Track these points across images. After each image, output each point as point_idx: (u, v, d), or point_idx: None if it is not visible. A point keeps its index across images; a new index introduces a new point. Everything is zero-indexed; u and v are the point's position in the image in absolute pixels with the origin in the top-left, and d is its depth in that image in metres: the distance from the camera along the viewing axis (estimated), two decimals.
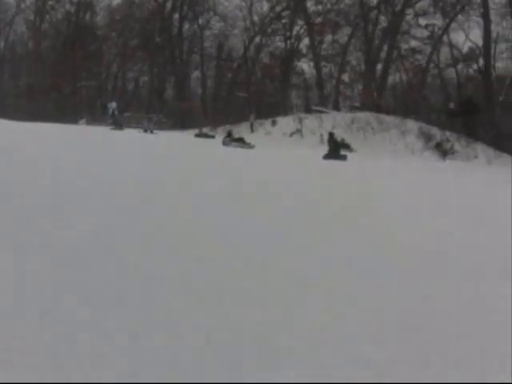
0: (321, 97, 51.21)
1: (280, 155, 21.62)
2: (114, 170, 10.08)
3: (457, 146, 37.08)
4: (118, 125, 32.21)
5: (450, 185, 14.44)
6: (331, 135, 24.18)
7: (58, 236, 4.35)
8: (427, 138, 38.25)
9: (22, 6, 63.37)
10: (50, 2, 62.01)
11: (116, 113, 32.96)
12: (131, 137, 25.75)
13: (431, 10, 48.18)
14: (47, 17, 63.37)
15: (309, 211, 7.26)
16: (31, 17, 63.81)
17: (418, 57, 50.61)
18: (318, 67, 51.68)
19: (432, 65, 49.90)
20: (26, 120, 33.59)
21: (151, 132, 32.63)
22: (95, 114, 51.80)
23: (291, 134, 39.84)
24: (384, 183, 13.16)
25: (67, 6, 61.64)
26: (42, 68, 57.59)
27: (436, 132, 38.42)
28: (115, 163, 11.30)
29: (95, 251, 3.99)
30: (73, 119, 45.47)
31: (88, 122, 45.00)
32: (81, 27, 59.76)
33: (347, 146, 29.34)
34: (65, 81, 56.73)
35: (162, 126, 41.42)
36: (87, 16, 61.98)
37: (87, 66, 57.94)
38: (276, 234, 5.37)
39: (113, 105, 33.51)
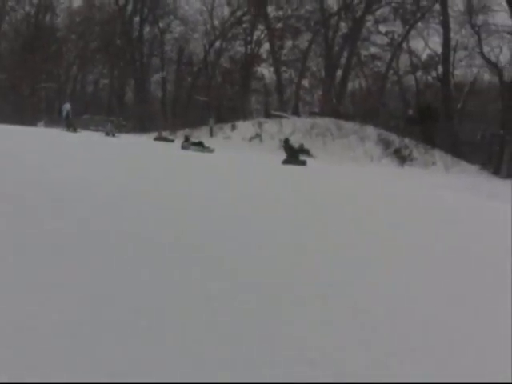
0: (280, 102, 51.31)
1: (239, 159, 21.86)
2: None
3: (415, 153, 37.54)
4: (72, 127, 31.26)
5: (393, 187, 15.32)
6: (286, 141, 24.37)
7: None
8: (386, 144, 38.51)
9: None
10: (10, 3, 61.39)
11: (70, 115, 31.57)
12: (89, 139, 25.23)
13: (391, 17, 48.81)
14: (7, 18, 62.47)
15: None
16: None
17: (378, 63, 50.99)
18: (278, 72, 51.79)
19: (391, 71, 50.32)
20: None
21: (113, 135, 32.28)
22: (54, 115, 51.19)
23: (251, 139, 39.93)
24: (337, 187, 13.86)
25: (27, 8, 61.06)
26: (0, 69, 57.03)
27: (395, 139, 38.72)
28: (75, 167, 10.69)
29: None
30: (32, 121, 45.57)
31: (46, 124, 44.44)
32: (40, 29, 59.29)
33: (306, 152, 28.86)
34: (24, 82, 56.21)
35: (121, 129, 41.02)
36: (47, 18, 61.42)
37: (47, 68, 57.36)
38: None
39: (66, 106, 32.03)
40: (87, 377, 2.15)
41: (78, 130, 32.94)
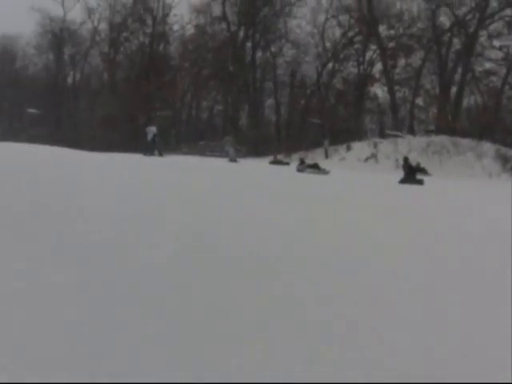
0: (395, 121, 58.36)
1: (356, 180, 22.89)
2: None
3: None
4: (159, 152, 31.09)
5: None
6: (406, 160, 25.84)
7: None
8: (504, 160, 41.29)
9: (97, 38, 75.47)
10: (124, 34, 73.30)
11: (157, 138, 31.41)
12: (218, 165, 26.84)
13: (505, 31, 54.80)
14: (121, 48, 74.69)
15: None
16: (106, 49, 75.10)
17: (493, 79, 57.00)
18: (391, 91, 59.39)
19: (507, 86, 56.05)
20: (101, 150, 36.75)
21: (235, 161, 34.52)
22: (170, 143, 58.54)
23: (366, 159, 44.57)
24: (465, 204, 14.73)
25: (141, 38, 73.03)
26: (116, 99, 66.81)
27: None
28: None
29: None
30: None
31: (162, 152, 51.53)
32: (155, 58, 70.23)
33: (423, 170, 31.17)
34: (139, 111, 65.53)
35: (237, 154, 44.21)
36: (161, 47, 72.71)
37: (161, 96, 67.21)
38: None
39: (152, 129, 31.59)
40: None
41: (164, 154, 33.14)
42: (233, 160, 35.63)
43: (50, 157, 18.46)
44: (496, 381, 2.84)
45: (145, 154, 29.25)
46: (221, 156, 44.04)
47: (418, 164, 31.34)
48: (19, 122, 76.06)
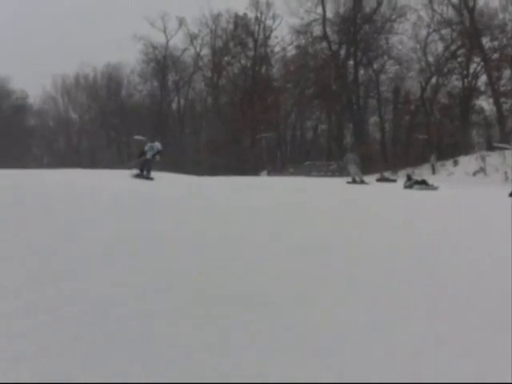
0: (502, 133, 59.95)
1: (465, 195, 22.31)
2: None
3: None
4: (147, 171, 25.59)
5: None
6: None
7: None
8: None
9: (200, 63, 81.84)
10: (227, 58, 79.34)
11: (158, 156, 26.00)
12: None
13: None
14: (224, 72, 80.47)
15: None
16: (209, 73, 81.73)
17: None
18: (497, 104, 61.66)
19: None
20: (207, 174, 38.61)
21: (361, 181, 30.98)
22: (276, 164, 62.05)
23: (474, 173, 46.72)
24: None
25: (243, 61, 78.93)
26: (221, 122, 72.30)
27: None
28: None
29: None
30: (254, 171, 56.61)
31: (269, 173, 57.05)
32: (257, 80, 75.94)
33: None
34: (244, 133, 70.55)
35: (342, 173, 42.94)
36: (263, 69, 78.32)
37: (266, 118, 71.66)
38: None
39: (157, 146, 26.15)
40: None
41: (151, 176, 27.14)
42: (358, 180, 30.98)
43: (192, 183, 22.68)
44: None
45: (139, 174, 25.01)
46: (326, 175, 46.31)
47: None
48: (127, 149, 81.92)
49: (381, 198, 19.21)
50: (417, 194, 22.65)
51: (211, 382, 3.20)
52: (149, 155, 25.69)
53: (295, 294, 5.27)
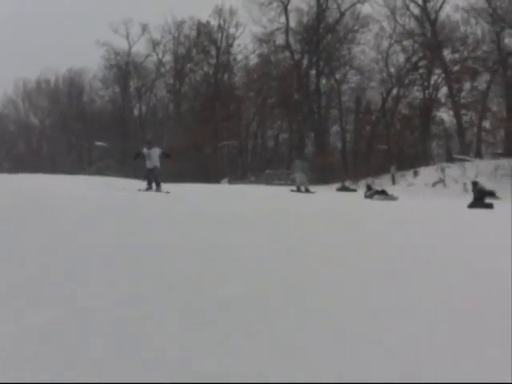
0: (462, 145, 60.52)
1: (425, 206, 22.31)
2: None
3: None
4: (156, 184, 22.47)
5: None
6: (475, 184, 25.55)
7: None
8: None
9: (162, 70, 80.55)
10: (189, 65, 78.03)
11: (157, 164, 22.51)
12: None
13: None
14: (186, 79, 79.41)
15: None
16: (171, 80, 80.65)
17: None
18: (457, 115, 61.45)
19: None
20: (168, 181, 37.51)
21: (307, 190, 29.30)
22: (237, 172, 61.16)
23: (434, 184, 46.23)
24: None
25: (205, 68, 77.69)
26: (183, 129, 71.23)
27: None
28: None
29: None
30: (214, 179, 55.96)
31: (230, 181, 55.48)
32: (219, 88, 74.54)
33: (492, 194, 29.40)
34: (206, 141, 68.52)
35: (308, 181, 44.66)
36: (225, 77, 77.09)
37: (227, 126, 71.41)
38: None
39: (156, 152, 22.75)
40: None
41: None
42: (303, 189, 29.38)
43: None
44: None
45: (148, 188, 22.18)
46: (286, 184, 44.43)
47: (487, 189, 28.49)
48: (88, 155, 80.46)
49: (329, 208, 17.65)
50: (376, 204, 22.29)
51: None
52: (150, 165, 22.20)
53: None
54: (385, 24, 66.32)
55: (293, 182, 35.50)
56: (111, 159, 71.32)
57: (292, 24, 70.61)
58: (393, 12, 65.52)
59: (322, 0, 69.56)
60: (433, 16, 63.04)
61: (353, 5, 68.27)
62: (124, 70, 79.95)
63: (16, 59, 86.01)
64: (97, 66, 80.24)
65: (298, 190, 29.26)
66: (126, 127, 78.85)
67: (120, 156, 71.90)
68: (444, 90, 64.53)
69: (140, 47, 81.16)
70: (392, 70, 66.91)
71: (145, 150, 22.72)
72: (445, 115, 65.24)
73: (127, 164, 67.50)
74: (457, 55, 62.29)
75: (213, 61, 75.95)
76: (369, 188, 32.39)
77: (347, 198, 26.89)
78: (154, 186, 22.04)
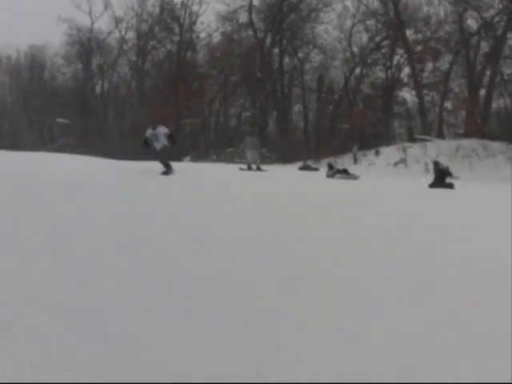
0: (424, 125, 59.97)
1: (385, 185, 22.09)
2: None
3: None
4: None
5: None
6: (436, 164, 25.84)
7: None
8: None
9: (125, 47, 78.47)
10: (152, 43, 76.00)
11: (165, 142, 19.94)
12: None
13: None
14: (149, 57, 77.53)
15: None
16: (133, 58, 78.51)
17: None
18: (419, 95, 60.73)
19: None
20: (130, 159, 35.99)
21: (258, 168, 28.37)
22: (199, 150, 60.23)
23: (395, 164, 46.04)
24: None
25: (168, 46, 75.71)
26: (145, 107, 68.75)
27: None
28: None
29: None
30: (177, 157, 53.38)
31: (192, 159, 54.78)
32: (182, 66, 72.86)
33: (449, 174, 29.04)
34: (168, 119, 66.50)
35: (265, 161, 43.90)
36: (188, 55, 75.24)
37: (190, 104, 69.74)
38: None
39: (162, 131, 19.98)
40: None
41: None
42: (254, 167, 28.47)
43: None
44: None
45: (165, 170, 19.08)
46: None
47: (447, 168, 27.73)
48: (49, 132, 78.70)
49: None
50: (337, 183, 21.59)
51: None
52: (158, 145, 19.73)
53: None
54: (348, 3, 65.22)
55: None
56: (73, 136, 69.83)
57: (255, 2, 69.10)
58: None
59: None
60: None
61: None
62: (86, 46, 77.42)
63: None
64: (59, 42, 77.99)
65: (249, 168, 28.27)
66: (87, 104, 76.79)
67: (81, 133, 70.53)
68: (406, 70, 63.97)
69: (102, 24, 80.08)
70: (355, 49, 66.17)
71: (149, 132, 20.02)
72: (407, 95, 65.07)
73: (88, 141, 67.12)
74: (419, 35, 61.81)
75: (176, 38, 73.97)
76: (331, 167, 31.29)
77: (308, 177, 26.01)
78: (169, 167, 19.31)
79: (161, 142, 19.75)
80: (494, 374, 3.04)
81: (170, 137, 20.06)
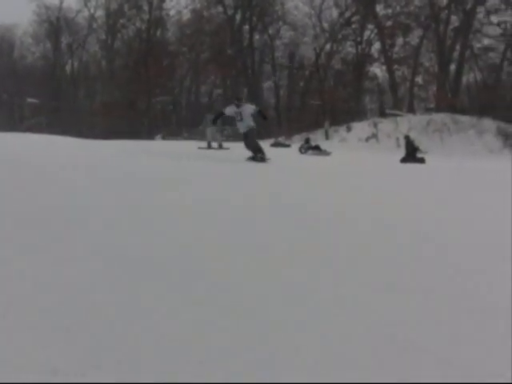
0: (395, 100, 59.09)
1: (357, 161, 21.95)
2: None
3: None
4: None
5: None
6: (407, 138, 25.78)
7: None
8: (505, 136, 42.79)
9: (94, 25, 75.34)
10: (121, 21, 73.28)
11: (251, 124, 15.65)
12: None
13: (502, 7, 55.30)
14: (119, 35, 74.66)
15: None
16: (103, 36, 75.28)
17: (492, 55, 57.66)
18: (390, 71, 59.92)
19: (506, 62, 56.78)
20: (102, 138, 36.51)
21: (220, 147, 28.14)
22: (171, 128, 58.95)
23: (367, 139, 45.95)
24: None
25: (138, 24, 72.97)
26: (116, 86, 68.06)
27: None
28: None
29: None
30: (149, 135, 54.07)
31: (164, 137, 52.93)
32: (152, 44, 70.44)
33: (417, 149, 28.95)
34: (139, 97, 65.63)
35: (235, 139, 40.85)
36: (158, 32, 72.62)
37: (161, 82, 67.78)
38: None
39: (248, 109, 15.43)
40: None
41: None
42: (215, 145, 28.18)
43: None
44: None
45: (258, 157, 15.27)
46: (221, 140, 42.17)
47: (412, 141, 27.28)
48: (19, 112, 76.60)
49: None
50: (309, 159, 22.16)
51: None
52: (242, 127, 15.38)
53: None
54: None
55: (227, 138, 35.99)
56: (43, 116, 68.00)
57: None
58: None
59: None
60: None
61: None
62: (55, 25, 74.39)
63: None
64: (28, 21, 75.36)
65: (209, 147, 26.88)
66: (57, 84, 74.12)
67: (52, 113, 68.66)
68: (377, 46, 62.99)
69: (71, 2, 78.20)
70: (325, 25, 64.42)
71: (231, 110, 15.58)
72: (378, 70, 64.35)
73: (59, 121, 65.48)
74: (389, 10, 60.57)
75: (145, 16, 71.10)
76: (306, 142, 32.42)
77: (280, 153, 23.56)
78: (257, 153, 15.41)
79: (245, 123, 15.45)
80: None
81: (259, 113, 16.01)
